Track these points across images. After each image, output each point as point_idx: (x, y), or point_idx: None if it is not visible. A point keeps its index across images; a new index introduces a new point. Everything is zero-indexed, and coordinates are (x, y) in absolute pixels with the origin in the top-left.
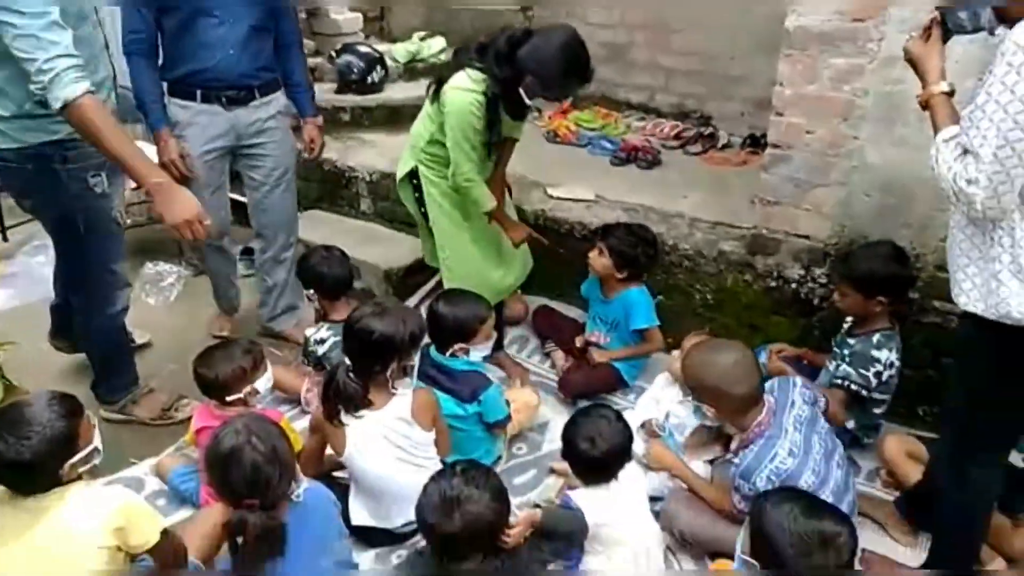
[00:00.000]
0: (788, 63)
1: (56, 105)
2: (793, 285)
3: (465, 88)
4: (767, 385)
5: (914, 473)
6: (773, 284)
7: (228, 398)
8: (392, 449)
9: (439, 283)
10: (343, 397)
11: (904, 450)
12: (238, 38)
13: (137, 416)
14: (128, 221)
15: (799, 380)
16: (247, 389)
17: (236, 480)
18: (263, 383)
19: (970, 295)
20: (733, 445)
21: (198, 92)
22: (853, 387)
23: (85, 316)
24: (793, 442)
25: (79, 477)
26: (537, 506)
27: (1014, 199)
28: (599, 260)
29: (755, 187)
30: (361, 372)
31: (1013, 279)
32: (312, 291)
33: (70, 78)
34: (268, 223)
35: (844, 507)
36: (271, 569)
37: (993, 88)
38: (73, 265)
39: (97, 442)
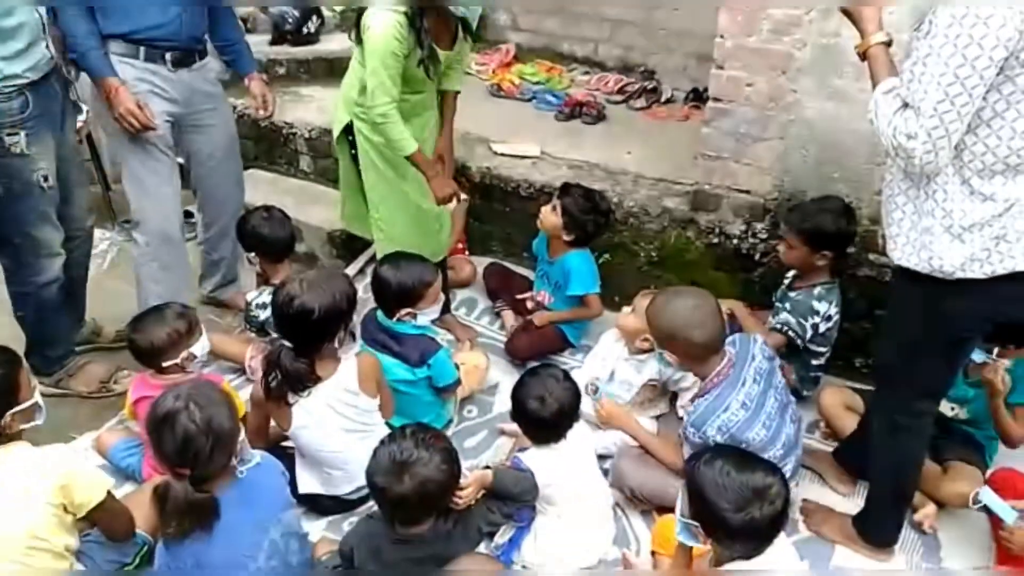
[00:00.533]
0: (728, 14)
1: None
2: (735, 241)
3: (384, 10)
4: (729, 338)
5: (851, 424)
6: (715, 240)
7: (164, 364)
8: (338, 419)
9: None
10: (290, 379)
11: (841, 402)
12: None
13: (73, 389)
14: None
15: (759, 336)
16: (184, 354)
17: (167, 447)
18: (200, 347)
19: (904, 249)
20: (686, 397)
21: (141, 50)
22: (791, 333)
23: (10, 284)
24: (748, 395)
25: (20, 435)
26: (487, 467)
27: (950, 154)
28: (550, 217)
29: (697, 142)
30: (305, 350)
31: (945, 234)
32: (253, 254)
33: None
34: (216, 197)
35: (791, 461)
36: (201, 542)
37: (935, 41)
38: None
39: (38, 398)
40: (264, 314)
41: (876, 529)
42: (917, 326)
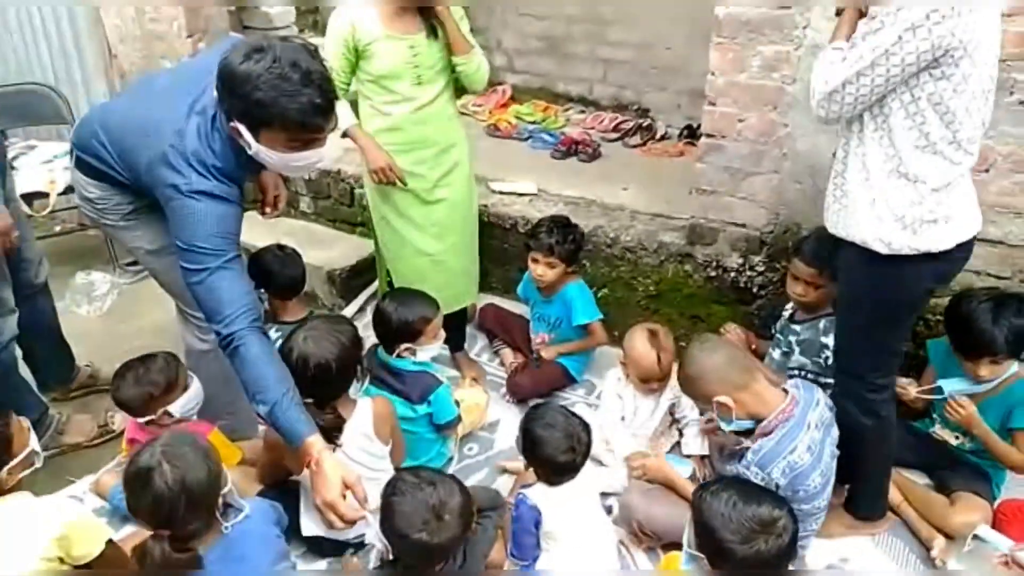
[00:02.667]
0: (719, 52)
1: None
2: (732, 274)
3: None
4: (792, 380)
5: None
6: (713, 274)
7: (139, 420)
8: (353, 467)
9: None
10: (324, 433)
11: None
12: None
13: (72, 443)
14: (58, 228)
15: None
16: (159, 411)
17: (142, 506)
18: (179, 406)
19: (835, 224)
20: (691, 430)
21: None
22: (810, 376)
23: None
24: (812, 439)
25: (20, 484)
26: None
27: (848, 114)
28: (548, 273)
29: (692, 177)
30: (328, 400)
31: (867, 209)
32: (263, 290)
33: None
34: None
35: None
36: None
37: (899, 21)
38: None
39: (34, 445)
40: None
41: (870, 506)
42: (861, 301)
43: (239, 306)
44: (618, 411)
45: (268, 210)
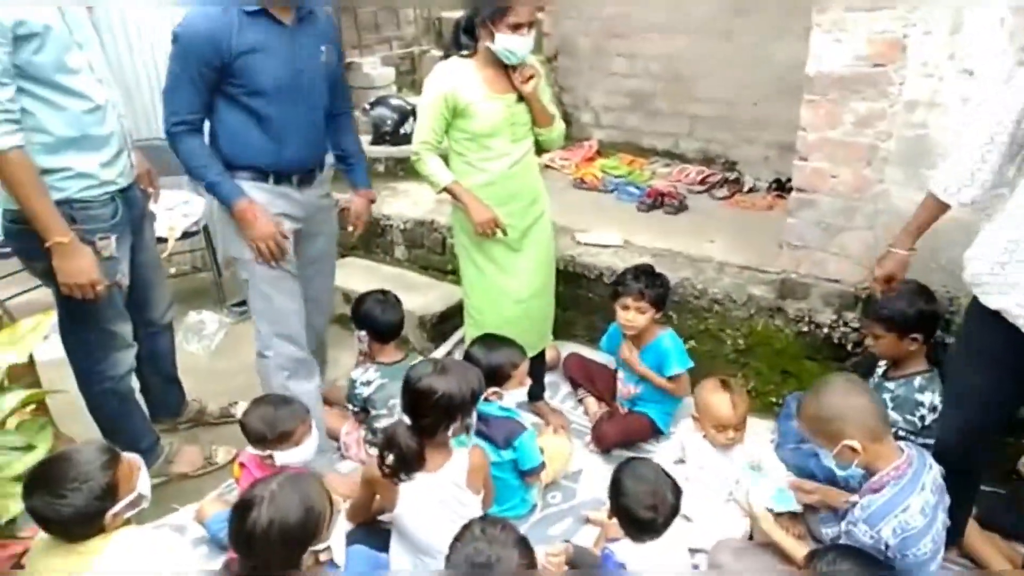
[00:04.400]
0: (810, 109)
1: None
2: (825, 330)
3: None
4: (900, 442)
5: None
6: (805, 329)
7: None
8: (447, 513)
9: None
10: (400, 456)
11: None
12: (314, 123)
13: (179, 472)
14: (173, 270)
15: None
16: (266, 452)
17: (234, 535)
18: (283, 456)
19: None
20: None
21: (270, 176)
22: (901, 433)
23: (86, 383)
24: (927, 503)
25: (127, 522)
26: (568, 542)
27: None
28: (638, 319)
29: (782, 231)
30: (420, 431)
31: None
32: (364, 332)
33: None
34: (312, 297)
35: None
36: None
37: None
38: (74, 329)
39: (142, 488)
40: (367, 391)
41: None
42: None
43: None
44: (675, 455)
45: (351, 228)
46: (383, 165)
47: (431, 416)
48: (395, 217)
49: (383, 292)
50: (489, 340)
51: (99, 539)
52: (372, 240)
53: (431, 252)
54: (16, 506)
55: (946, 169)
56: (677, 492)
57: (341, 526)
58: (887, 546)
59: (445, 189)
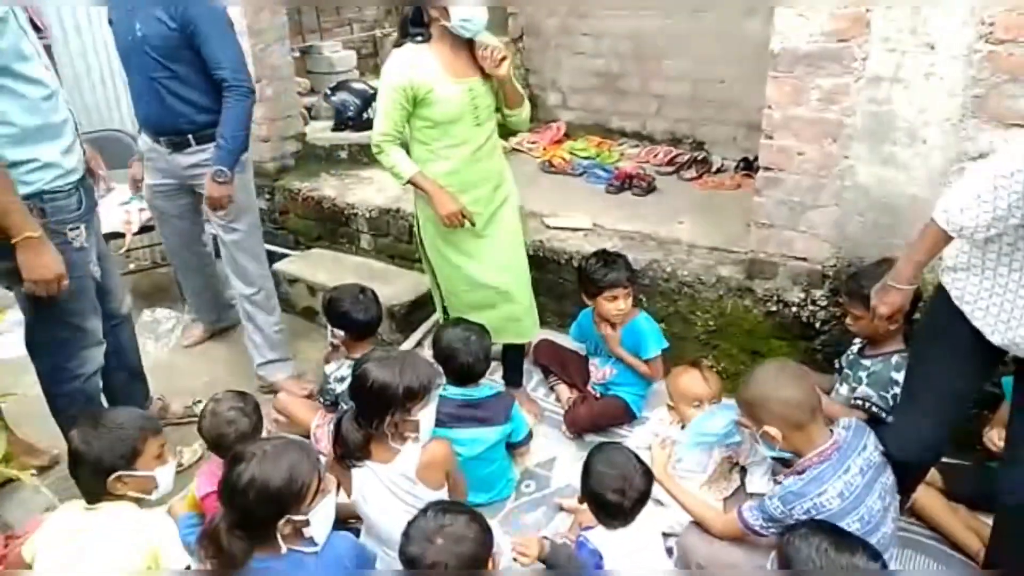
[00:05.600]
0: (775, 85)
1: None
2: (794, 309)
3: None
4: (843, 421)
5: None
6: (773, 308)
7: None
8: (397, 502)
9: (436, 321)
10: (345, 444)
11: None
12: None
13: None
14: (132, 266)
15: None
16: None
17: (223, 485)
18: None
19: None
20: (757, 473)
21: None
22: (874, 409)
23: (53, 383)
24: (848, 484)
25: (125, 497)
26: (545, 537)
27: None
28: (620, 304)
29: (750, 211)
30: (363, 421)
31: None
32: (339, 330)
33: None
34: None
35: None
36: None
37: None
38: (44, 327)
39: (161, 476)
40: (340, 387)
41: None
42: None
43: None
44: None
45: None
46: (346, 152)
47: (367, 403)
48: (359, 205)
49: (361, 290)
50: (462, 331)
51: (109, 507)
52: (336, 230)
53: (397, 240)
54: None
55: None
56: (648, 477)
57: (327, 506)
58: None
59: (409, 181)
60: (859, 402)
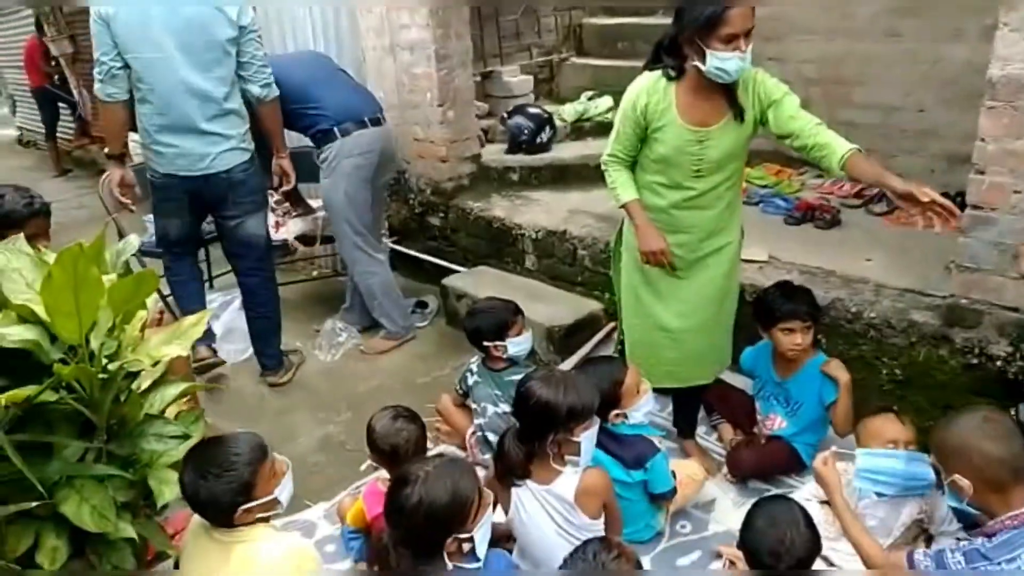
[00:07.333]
0: (991, 116)
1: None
2: (999, 363)
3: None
4: None
5: None
6: (974, 361)
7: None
8: (552, 524)
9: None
10: (506, 462)
11: None
12: None
13: None
14: (315, 273)
15: None
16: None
17: (388, 508)
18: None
19: None
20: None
21: None
22: None
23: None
24: None
25: (257, 521)
26: None
27: None
28: (798, 338)
29: (950, 251)
30: (525, 438)
31: None
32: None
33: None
34: None
35: None
36: None
37: None
38: None
39: (281, 494)
40: (470, 380)
41: None
42: None
43: None
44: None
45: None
46: (517, 174)
47: (530, 422)
48: (527, 226)
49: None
50: (593, 366)
51: (240, 534)
52: (503, 250)
53: (561, 263)
54: (171, 492)
55: None
56: (812, 544)
57: (488, 522)
58: None
59: (623, 206)
60: None
